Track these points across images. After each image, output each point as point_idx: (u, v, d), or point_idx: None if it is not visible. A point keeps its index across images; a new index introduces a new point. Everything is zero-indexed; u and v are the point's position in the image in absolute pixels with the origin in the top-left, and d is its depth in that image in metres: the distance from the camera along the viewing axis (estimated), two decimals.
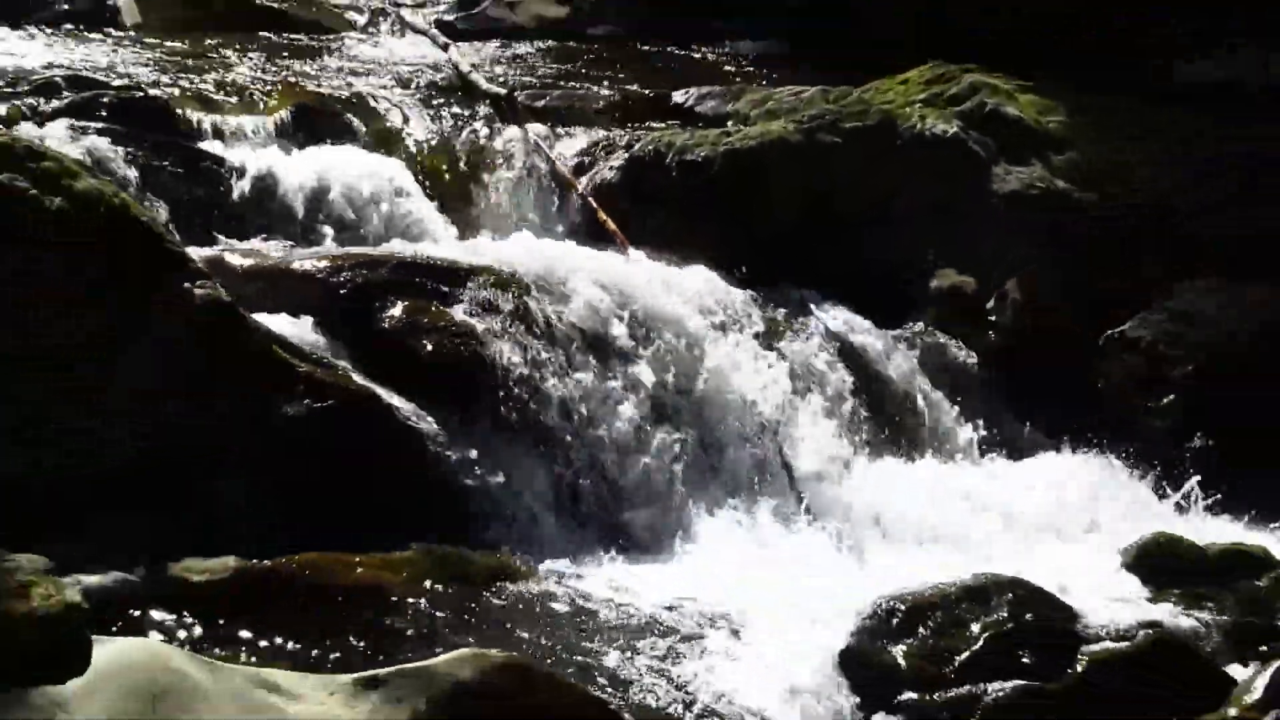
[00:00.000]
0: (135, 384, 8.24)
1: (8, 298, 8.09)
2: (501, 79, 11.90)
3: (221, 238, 9.71)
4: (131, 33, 12.67)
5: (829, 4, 13.94)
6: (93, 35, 12.48)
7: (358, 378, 8.75)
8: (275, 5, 13.60)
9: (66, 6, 13.00)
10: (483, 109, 11.18)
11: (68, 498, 7.67)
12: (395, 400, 8.72)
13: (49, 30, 12.49)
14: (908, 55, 12.16)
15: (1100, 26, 12.74)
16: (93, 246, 8.35)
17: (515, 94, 11.37)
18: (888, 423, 9.78)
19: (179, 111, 10.41)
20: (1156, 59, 12.33)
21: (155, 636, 7.03)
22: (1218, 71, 12.19)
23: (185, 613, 7.33)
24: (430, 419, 8.71)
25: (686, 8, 14.32)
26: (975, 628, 7.91)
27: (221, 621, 7.35)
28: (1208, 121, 11.67)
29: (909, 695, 7.65)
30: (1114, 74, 12.01)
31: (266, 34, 12.88)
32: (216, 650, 7.02)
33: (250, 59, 12.19)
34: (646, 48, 13.53)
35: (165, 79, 11.34)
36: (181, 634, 7.13)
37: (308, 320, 8.99)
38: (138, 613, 7.19)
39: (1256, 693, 7.45)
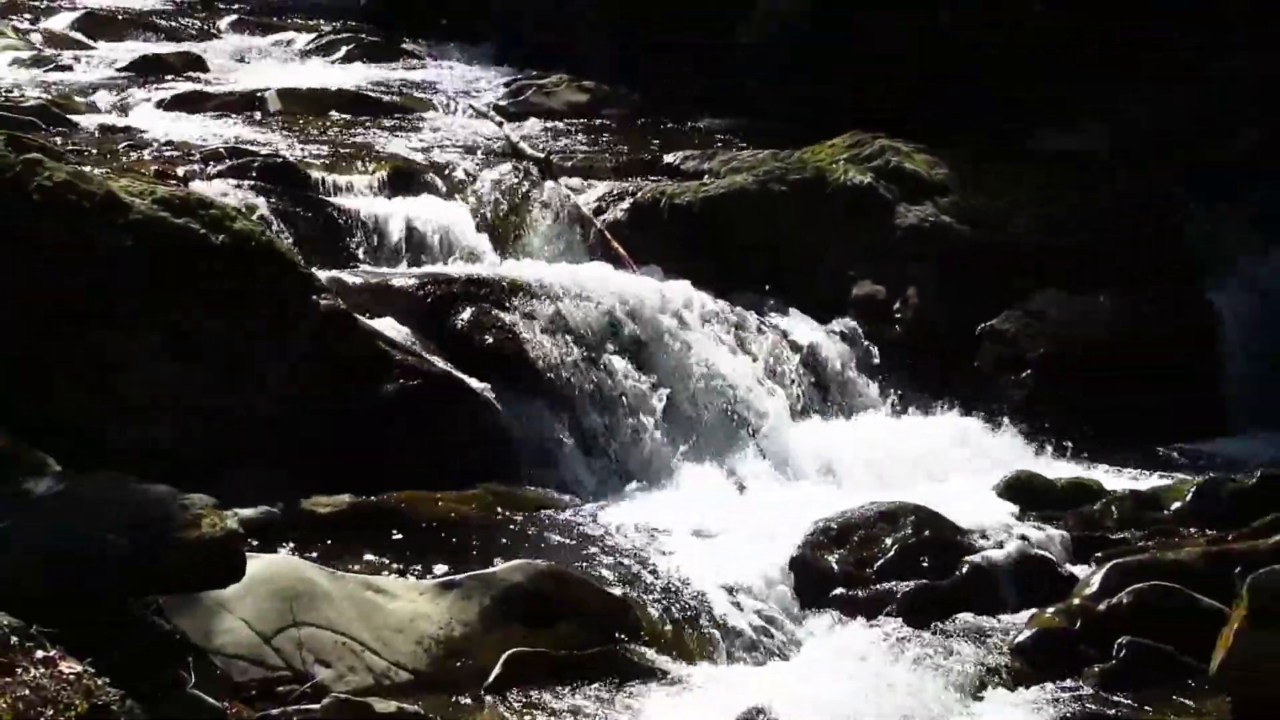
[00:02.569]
0: (272, 370, 8.20)
1: (185, 309, 8.09)
2: (540, 147, 11.86)
3: (338, 264, 9.57)
4: (274, 116, 12.61)
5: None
6: (246, 118, 12.43)
7: (437, 362, 8.68)
8: (376, 95, 13.50)
9: (227, 98, 12.91)
10: (526, 168, 11.12)
11: (211, 457, 7.56)
12: (465, 379, 8.65)
13: (214, 115, 12.43)
14: (839, 123, 11.79)
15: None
16: (246, 270, 8.31)
17: (551, 157, 11.36)
18: (824, 391, 9.69)
19: (308, 172, 10.33)
20: (1021, 128, 12.05)
21: (291, 554, 6.97)
22: (1071, 140, 11.90)
23: (313, 536, 7.31)
24: (489, 392, 8.64)
25: (675, 99, 14.19)
26: (888, 541, 7.87)
27: (340, 542, 7.33)
28: (1054, 178, 11.52)
29: (840, 591, 7.62)
30: (985, 138, 11.83)
31: (370, 116, 12.80)
32: (337, 563, 7.00)
33: (359, 134, 12.16)
34: (645, 123, 13.47)
35: (298, 149, 11.31)
36: (311, 552, 7.08)
37: (401, 322, 8.89)
38: (279, 536, 7.15)
39: (1093, 586, 7.41)
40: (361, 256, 9.79)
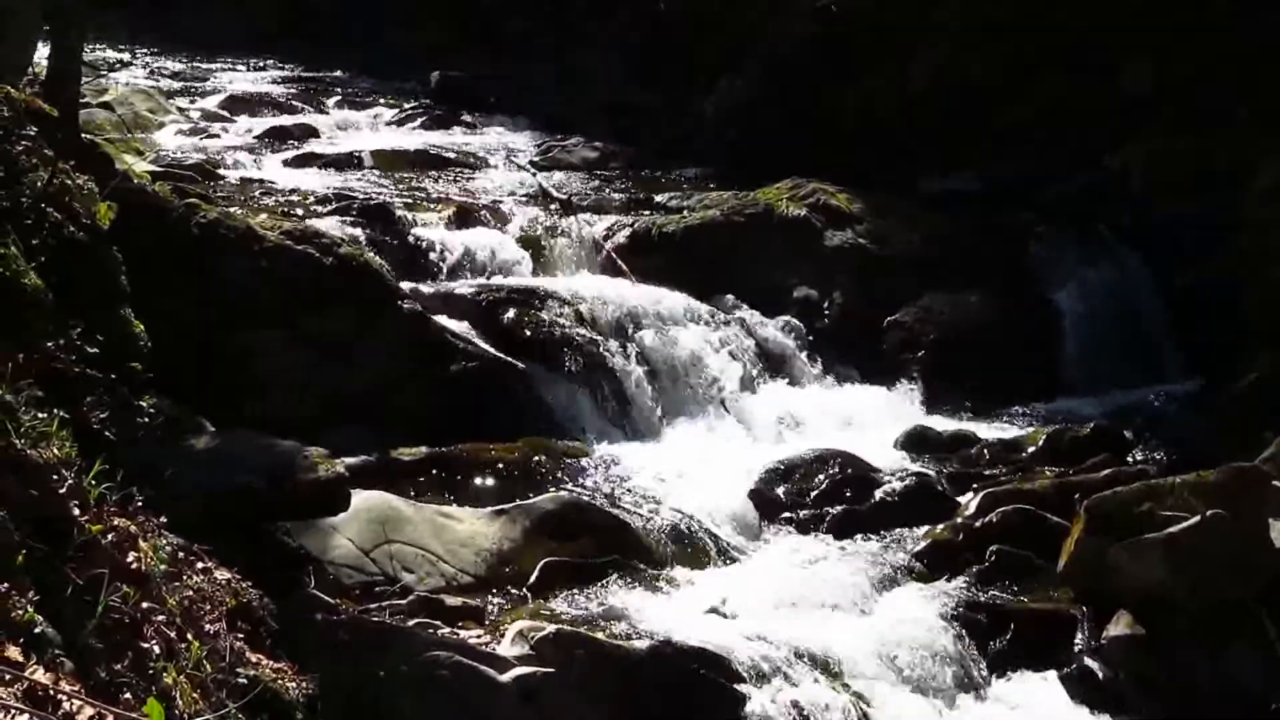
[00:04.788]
0: (368, 355, 8.17)
1: (314, 312, 8.04)
2: (563, 190, 11.81)
3: (417, 278, 9.51)
4: (369, 170, 12.55)
5: (756, 136, 12.10)
6: (348, 171, 12.37)
7: (490, 348, 8.65)
8: (445, 155, 13.42)
9: (334, 156, 12.84)
10: (553, 207, 11.08)
11: (318, 423, 7.51)
12: (511, 361, 8.62)
13: (324, 169, 12.37)
14: (776, 175, 11.58)
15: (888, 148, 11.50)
16: (350, 283, 8.32)
17: (571, 198, 11.31)
18: (773, 368, 9.60)
19: (394, 211, 10.25)
20: (909, 175, 11.89)
21: (384, 490, 6.93)
22: (949, 183, 11.61)
23: (400, 477, 7.30)
24: (529, 371, 8.63)
25: (661, 155, 14.07)
26: (821, 478, 7.90)
27: (420, 481, 7.33)
28: (937, 209, 11.41)
29: (787, 514, 7.65)
30: (888, 182, 11.71)
31: (438, 169, 12.73)
32: (417, 496, 6.99)
33: (430, 182, 12.08)
34: (641, 174, 13.41)
35: (388, 193, 11.21)
36: (398, 489, 7.06)
37: (464, 320, 8.87)
38: (375, 478, 7.12)
39: (971, 510, 7.46)
40: (434, 272, 9.71)
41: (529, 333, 8.85)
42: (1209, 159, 10.02)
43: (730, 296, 10.07)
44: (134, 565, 3.96)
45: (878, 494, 7.74)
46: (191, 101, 15.82)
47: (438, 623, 5.90)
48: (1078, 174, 10.96)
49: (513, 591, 6.45)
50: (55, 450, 3.97)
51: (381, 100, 17.12)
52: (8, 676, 2.97)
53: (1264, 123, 9.66)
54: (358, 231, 9.53)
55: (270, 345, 7.91)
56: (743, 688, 5.68)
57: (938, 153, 12.04)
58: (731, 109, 13.25)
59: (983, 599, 6.69)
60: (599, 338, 9.00)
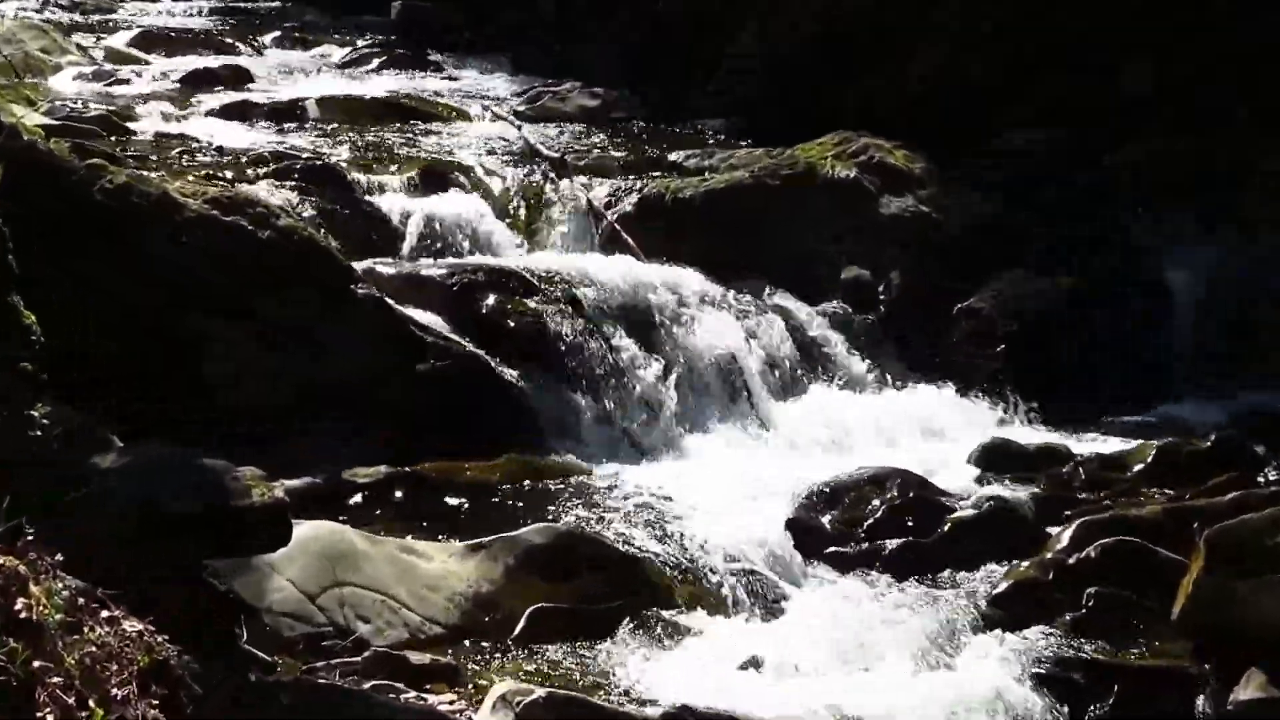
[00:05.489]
0: (315, 355, 8.19)
1: (237, 295, 8.07)
2: (555, 147, 11.79)
3: (374, 256, 9.49)
4: (314, 123, 12.53)
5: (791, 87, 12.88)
6: (288, 125, 12.36)
7: (465, 343, 8.65)
8: (409, 103, 13.41)
9: (271, 107, 12.84)
10: (543, 167, 11.06)
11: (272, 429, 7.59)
12: (491, 359, 8.62)
13: (260, 122, 12.36)
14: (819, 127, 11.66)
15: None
16: (291, 263, 8.31)
17: (565, 157, 11.29)
18: (816, 366, 9.59)
19: (345, 173, 10.26)
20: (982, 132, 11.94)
21: (334, 520, 6.91)
22: (1021, 141, 11.78)
23: (354, 504, 7.30)
24: (514, 371, 8.62)
25: (676, 101, 14.12)
26: (876, 502, 7.85)
27: (378, 509, 7.33)
28: (1010, 173, 11.41)
29: (833, 548, 7.60)
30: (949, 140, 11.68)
31: (400, 122, 12.71)
32: (375, 528, 6.98)
33: (390, 138, 12.07)
34: (651, 125, 13.39)
35: (337, 153, 11.21)
36: (351, 518, 7.05)
37: (433, 308, 8.85)
38: (322, 504, 7.09)
39: (1064, 542, 7.38)
40: (395, 249, 9.69)
41: (513, 323, 8.82)
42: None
43: (763, 279, 10.05)
44: (23, 614, 3.94)
45: (946, 523, 7.68)
46: (96, 39, 15.84)
47: (400, 685, 5.85)
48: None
49: (494, 645, 6.41)
50: None
51: (331, 38, 17.14)
52: None
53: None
54: (300, 199, 9.50)
55: (206, 336, 7.93)
56: None
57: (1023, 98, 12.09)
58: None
59: (1078, 653, 6.64)
60: (600, 330, 8.99)
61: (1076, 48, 11.64)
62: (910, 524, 7.68)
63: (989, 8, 11.91)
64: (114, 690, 4.25)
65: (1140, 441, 8.90)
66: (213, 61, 14.93)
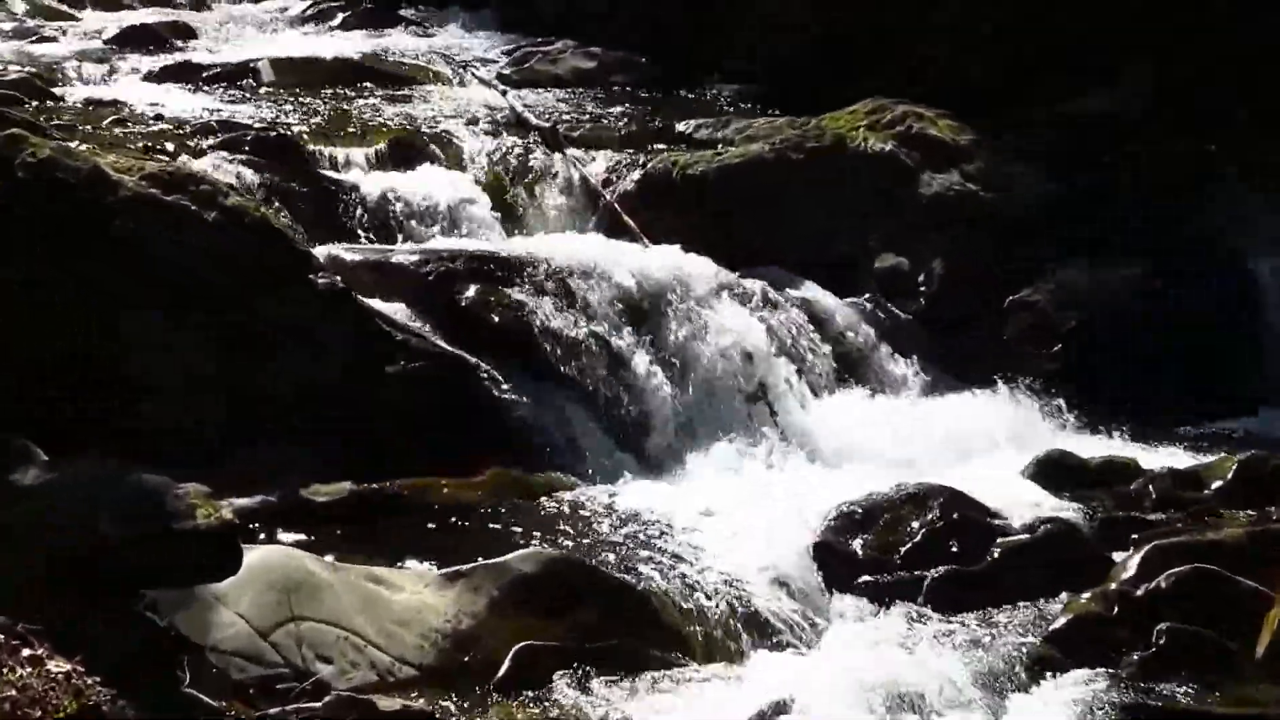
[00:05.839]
0: (272, 347, 8.20)
1: (178, 288, 8.07)
2: (546, 116, 11.80)
3: (336, 239, 9.51)
4: (268, 88, 12.56)
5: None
6: (238, 90, 12.38)
7: (442, 342, 8.65)
8: (373, 65, 13.43)
9: (219, 69, 12.86)
10: (532, 138, 11.07)
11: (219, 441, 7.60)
12: (471, 359, 8.62)
13: (205, 87, 12.38)
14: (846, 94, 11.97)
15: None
16: (241, 249, 8.30)
17: (557, 127, 11.31)
18: (846, 368, 9.63)
19: (304, 145, 10.30)
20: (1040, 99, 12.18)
21: (290, 544, 6.92)
22: (1101, 103, 12.15)
23: (313, 526, 7.27)
24: (497, 373, 8.62)
25: (684, 64, 14.21)
26: (915, 525, 7.81)
27: (340, 532, 7.32)
28: (1075, 145, 11.52)
29: (865, 577, 7.55)
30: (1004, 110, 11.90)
31: (368, 86, 12.74)
32: (337, 554, 6.96)
33: (356, 105, 12.10)
34: (654, 93, 13.42)
35: (293, 121, 11.24)
36: (310, 542, 7.03)
37: (404, 300, 8.88)
38: (276, 527, 7.13)
39: (1131, 570, 7.31)
40: (360, 232, 9.72)
41: (497, 318, 8.84)
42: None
43: (785, 268, 10.07)
44: None
45: (996, 548, 7.67)
46: None
47: None
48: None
49: (474, 689, 6.38)
50: None
51: None
52: None
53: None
54: (253, 175, 9.52)
55: (143, 336, 7.93)
56: None
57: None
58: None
59: (1148, 701, 6.62)
60: (598, 326, 9.01)
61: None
62: (954, 549, 7.65)
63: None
64: None
65: (1219, 455, 8.91)
66: (151, 16, 15.00)
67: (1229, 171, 11.19)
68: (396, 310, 8.73)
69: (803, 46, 13.56)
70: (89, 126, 10.43)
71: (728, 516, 7.86)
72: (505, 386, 8.57)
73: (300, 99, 12.17)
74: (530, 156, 10.80)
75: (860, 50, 13.08)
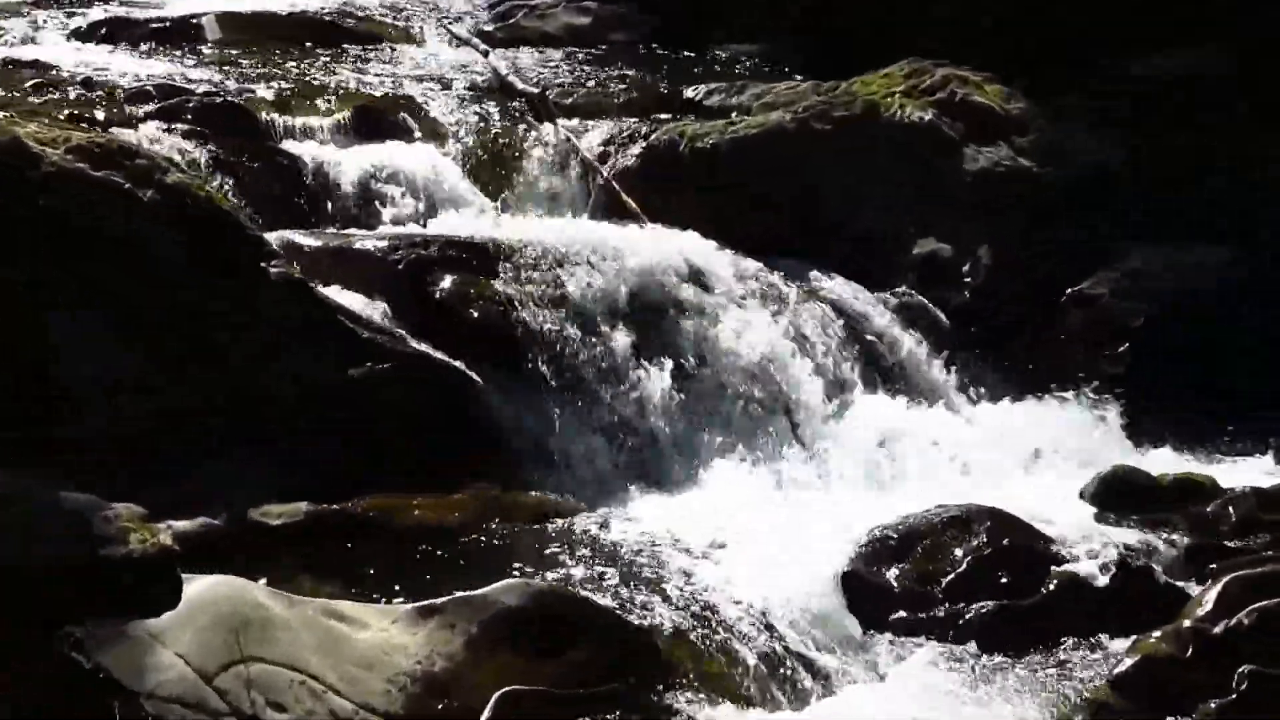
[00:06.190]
0: (221, 347, 8.22)
1: (111, 278, 8.09)
2: (535, 80, 11.85)
3: (294, 223, 9.55)
4: (214, 47, 12.60)
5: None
6: (179, 49, 12.41)
7: (414, 341, 8.67)
8: (337, 21, 13.48)
9: (157, 25, 12.89)
10: (518, 106, 11.10)
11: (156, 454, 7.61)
12: (446, 360, 8.66)
13: (141, 46, 12.40)
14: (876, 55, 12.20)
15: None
16: (182, 233, 8.31)
17: (547, 93, 11.35)
18: (880, 372, 9.68)
19: (255, 113, 10.33)
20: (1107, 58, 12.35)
21: (238, 574, 6.90)
22: (1178, 63, 12.32)
23: (264, 552, 7.28)
24: (477, 376, 8.65)
25: (692, 18, 14.33)
26: (959, 552, 7.84)
27: (296, 560, 7.31)
28: (1145, 110, 11.63)
29: (901, 614, 7.58)
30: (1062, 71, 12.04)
31: (329, 45, 12.79)
32: (291, 585, 6.95)
33: (317, 67, 12.13)
34: (659, 52, 13.48)
35: (244, 86, 11.27)
36: (262, 571, 6.98)
37: (370, 292, 8.91)
38: (223, 553, 7.07)
39: (1208, 606, 7.31)
40: (320, 214, 9.77)
41: (477, 314, 8.88)
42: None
43: (809, 256, 10.10)
44: None
45: (1053, 579, 7.68)
46: None
47: None
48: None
49: None
50: None
51: None
52: None
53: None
54: (195, 148, 9.55)
55: (65, 330, 7.93)
56: None
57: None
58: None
59: None
60: (594, 323, 9.06)
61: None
62: (1004, 580, 7.67)
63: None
64: None
65: None
66: None
67: None
68: (361, 304, 8.76)
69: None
70: (6, 92, 10.44)
71: (743, 542, 7.89)
72: (486, 391, 8.61)
73: (252, 60, 12.23)
74: (516, 127, 10.82)
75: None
